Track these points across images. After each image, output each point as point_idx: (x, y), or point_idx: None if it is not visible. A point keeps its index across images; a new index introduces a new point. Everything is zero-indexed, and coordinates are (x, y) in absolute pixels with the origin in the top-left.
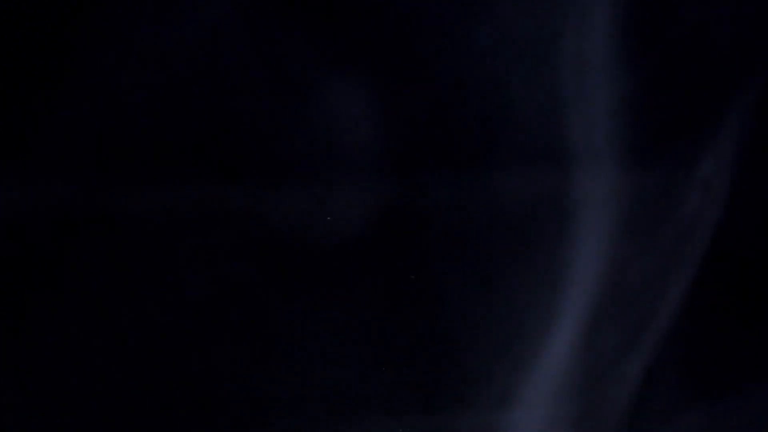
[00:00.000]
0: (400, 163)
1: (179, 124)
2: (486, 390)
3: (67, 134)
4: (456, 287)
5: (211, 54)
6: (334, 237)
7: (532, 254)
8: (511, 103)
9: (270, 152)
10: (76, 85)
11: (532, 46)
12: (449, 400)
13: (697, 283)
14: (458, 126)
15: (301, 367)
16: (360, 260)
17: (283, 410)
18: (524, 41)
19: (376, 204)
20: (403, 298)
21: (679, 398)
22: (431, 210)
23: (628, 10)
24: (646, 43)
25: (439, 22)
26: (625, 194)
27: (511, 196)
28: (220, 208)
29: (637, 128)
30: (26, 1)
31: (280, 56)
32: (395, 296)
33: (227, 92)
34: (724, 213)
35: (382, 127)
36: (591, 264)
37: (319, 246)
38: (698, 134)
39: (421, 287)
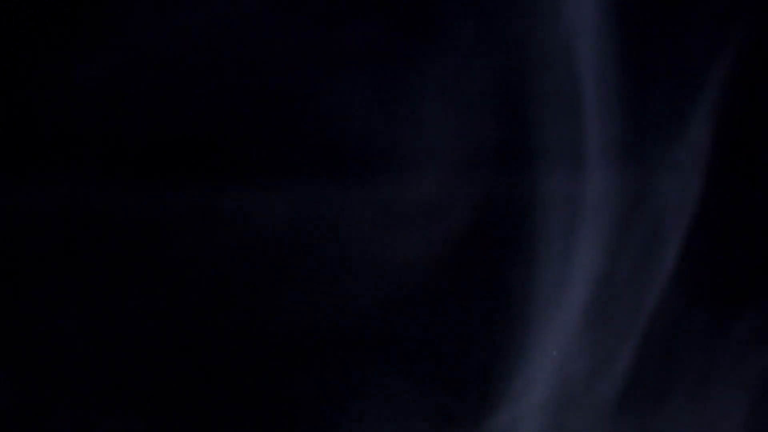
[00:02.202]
0: (394, 163)
1: (180, 124)
2: (481, 392)
3: (66, 134)
4: (452, 287)
5: (213, 52)
6: (329, 238)
7: (528, 254)
8: (498, 103)
9: (273, 152)
10: (75, 85)
11: (522, 45)
12: (446, 404)
13: (679, 273)
14: (450, 126)
15: (298, 370)
16: (355, 260)
17: (281, 412)
18: (515, 40)
19: (374, 204)
20: (397, 300)
21: (664, 388)
22: (423, 211)
23: (616, 9)
24: (632, 40)
25: (430, 22)
26: (615, 192)
27: (502, 196)
28: (225, 207)
29: (624, 127)
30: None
31: (284, 55)
32: (391, 298)
33: (231, 91)
34: (700, 204)
35: (379, 127)
36: (586, 264)
37: (314, 246)
38: (673, 127)
39: (415, 288)
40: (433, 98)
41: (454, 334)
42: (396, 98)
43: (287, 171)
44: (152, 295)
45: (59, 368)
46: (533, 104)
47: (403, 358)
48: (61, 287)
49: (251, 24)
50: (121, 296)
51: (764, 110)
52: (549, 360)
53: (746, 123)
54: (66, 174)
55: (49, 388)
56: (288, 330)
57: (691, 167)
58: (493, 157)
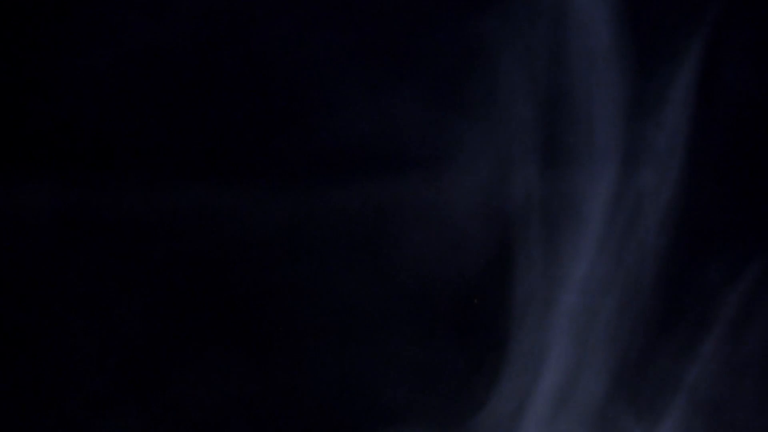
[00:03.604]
0: (388, 162)
1: (180, 124)
2: (475, 392)
3: (64, 134)
4: (450, 287)
5: (214, 53)
6: (328, 238)
7: (523, 253)
8: (505, 101)
9: (275, 152)
10: (73, 85)
11: (530, 43)
12: (438, 404)
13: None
14: (454, 124)
15: (297, 370)
16: (350, 259)
17: (278, 412)
18: (523, 38)
19: (369, 203)
20: (394, 300)
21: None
22: (418, 210)
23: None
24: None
25: (434, 18)
26: (604, 185)
27: (497, 196)
28: (225, 207)
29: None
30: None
31: (282, 54)
32: (390, 297)
33: (233, 91)
34: (679, 192)
35: (376, 126)
36: (585, 261)
37: (308, 247)
38: (652, 114)
39: (413, 288)
40: (431, 99)
41: (451, 333)
42: (394, 98)
43: (288, 171)
44: (152, 295)
45: (59, 368)
46: (528, 104)
47: (398, 357)
48: (61, 287)
49: (255, 23)
50: (120, 296)
51: (740, 96)
52: (545, 356)
53: (722, 109)
54: (65, 174)
55: (49, 388)
56: (287, 329)
57: (670, 153)
58: (490, 157)
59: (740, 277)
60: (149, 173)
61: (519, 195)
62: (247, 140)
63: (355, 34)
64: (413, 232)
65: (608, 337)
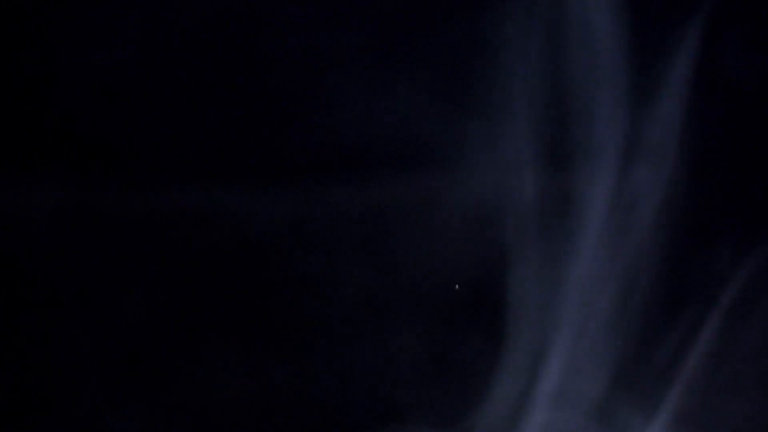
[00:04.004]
0: (388, 162)
1: (180, 124)
2: (472, 391)
3: (64, 134)
4: (450, 285)
5: (214, 53)
6: (320, 237)
7: (521, 253)
8: (507, 99)
9: (270, 152)
10: (73, 85)
11: (529, 43)
12: (437, 402)
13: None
14: (453, 122)
15: (302, 369)
16: (350, 259)
17: (275, 411)
18: (522, 37)
19: (369, 203)
20: (397, 299)
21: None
22: (418, 209)
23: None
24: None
25: (433, 18)
26: (611, 186)
27: (497, 195)
28: (222, 207)
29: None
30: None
31: (283, 53)
32: (390, 296)
33: (229, 90)
34: (677, 187)
35: (377, 126)
36: (585, 258)
37: (309, 247)
38: (654, 109)
39: (411, 287)
40: (430, 98)
41: (452, 331)
42: (394, 98)
43: (288, 171)
44: (153, 294)
45: (59, 368)
46: (527, 103)
47: (399, 355)
48: (61, 286)
49: (255, 22)
50: (121, 295)
51: (738, 90)
52: (545, 353)
53: (720, 102)
54: (65, 174)
55: (49, 388)
56: (287, 329)
57: (668, 148)
58: (489, 155)
59: (739, 271)
60: (150, 173)
61: (518, 192)
62: (247, 140)
63: (355, 33)
64: (413, 231)
65: (608, 334)
